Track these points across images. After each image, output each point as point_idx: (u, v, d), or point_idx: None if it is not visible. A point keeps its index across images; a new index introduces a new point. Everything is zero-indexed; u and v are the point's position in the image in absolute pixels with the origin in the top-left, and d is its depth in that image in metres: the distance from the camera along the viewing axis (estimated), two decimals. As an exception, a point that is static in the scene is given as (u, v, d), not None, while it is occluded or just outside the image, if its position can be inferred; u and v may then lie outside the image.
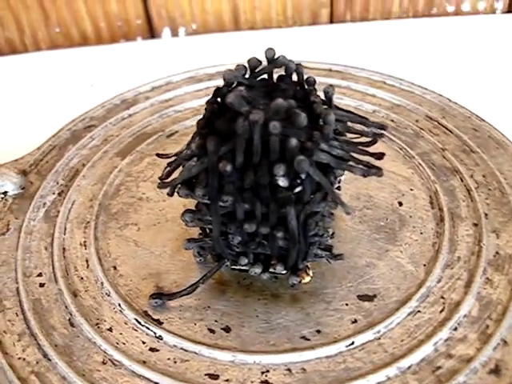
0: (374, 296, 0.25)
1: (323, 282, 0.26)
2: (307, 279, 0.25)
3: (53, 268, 0.27)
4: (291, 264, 0.24)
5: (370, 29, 0.49)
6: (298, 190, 0.21)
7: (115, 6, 0.48)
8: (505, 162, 0.31)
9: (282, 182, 0.21)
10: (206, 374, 0.22)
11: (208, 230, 0.25)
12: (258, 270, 0.24)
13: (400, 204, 0.29)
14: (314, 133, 0.22)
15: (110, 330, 0.24)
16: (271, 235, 0.23)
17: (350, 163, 0.22)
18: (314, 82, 0.24)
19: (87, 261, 0.27)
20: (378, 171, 0.23)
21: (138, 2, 0.49)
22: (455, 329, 0.23)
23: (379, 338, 0.23)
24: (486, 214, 0.28)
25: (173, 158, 0.25)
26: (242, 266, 0.25)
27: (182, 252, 0.27)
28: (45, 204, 0.30)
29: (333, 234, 0.26)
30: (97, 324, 0.24)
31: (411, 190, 0.30)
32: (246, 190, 0.22)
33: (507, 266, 0.26)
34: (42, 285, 0.26)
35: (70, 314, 0.25)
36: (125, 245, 0.28)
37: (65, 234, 0.28)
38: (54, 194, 0.31)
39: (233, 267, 0.26)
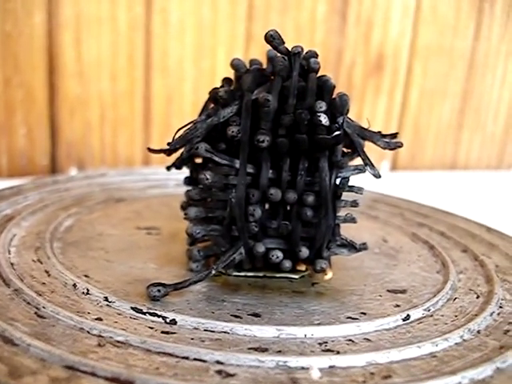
0: (405, 290, 0.22)
1: (344, 283, 0.22)
2: (329, 275, 0.22)
3: (0, 276, 0.20)
4: (318, 245, 0.21)
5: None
6: (336, 133, 0.20)
7: (22, 141, 0.46)
8: (458, 222, 0.32)
9: (324, 118, 0.20)
10: (249, 348, 0.17)
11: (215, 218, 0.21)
12: (279, 254, 0.21)
13: (385, 241, 0.28)
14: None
15: (99, 319, 0.17)
16: (299, 202, 0.20)
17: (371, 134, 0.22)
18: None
19: (47, 271, 0.21)
20: (401, 143, 0.23)
21: (47, 142, 0.47)
22: (500, 306, 0.21)
23: (431, 316, 0.20)
24: (468, 247, 0.28)
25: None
26: (258, 254, 0.21)
27: (169, 266, 0.22)
28: (-25, 235, 0.23)
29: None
30: (79, 315, 0.17)
31: (389, 234, 0.29)
32: (280, 136, 0.20)
33: (512, 271, 0.25)
34: (-14, 288, 0.19)
35: (37, 308, 0.18)
36: (94, 262, 0.22)
37: (9, 254, 0.22)
38: (-15, 229, 0.24)
39: (236, 274, 0.22)
